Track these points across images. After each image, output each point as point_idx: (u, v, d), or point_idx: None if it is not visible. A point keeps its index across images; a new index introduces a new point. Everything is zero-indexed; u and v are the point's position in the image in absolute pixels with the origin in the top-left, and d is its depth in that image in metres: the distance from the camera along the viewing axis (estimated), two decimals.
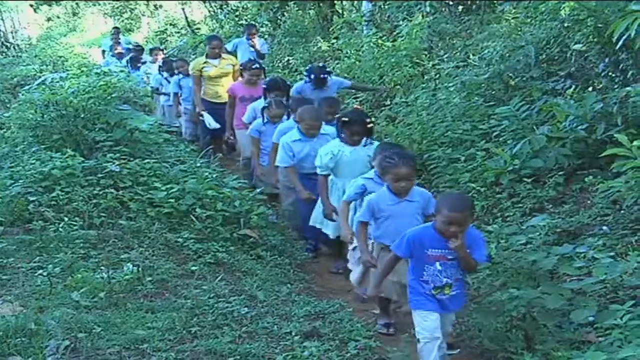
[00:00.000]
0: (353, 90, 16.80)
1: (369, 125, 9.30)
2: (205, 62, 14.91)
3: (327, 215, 9.47)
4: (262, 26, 27.33)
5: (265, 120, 11.71)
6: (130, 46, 24.94)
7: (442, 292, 6.32)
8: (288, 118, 11.50)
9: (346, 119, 9.23)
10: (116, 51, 24.80)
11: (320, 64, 14.85)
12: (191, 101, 16.28)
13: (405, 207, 7.32)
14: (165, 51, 22.75)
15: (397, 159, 7.22)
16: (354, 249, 8.30)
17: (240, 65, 14.72)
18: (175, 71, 17.54)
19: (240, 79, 14.65)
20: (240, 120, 13.10)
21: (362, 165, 8.85)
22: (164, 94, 18.34)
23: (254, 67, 13.78)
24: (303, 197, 10.22)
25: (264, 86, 12.66)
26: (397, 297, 7.64)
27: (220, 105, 14.69)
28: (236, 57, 18.67)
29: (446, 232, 6.07)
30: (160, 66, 19.25)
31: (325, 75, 13.28)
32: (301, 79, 14.73)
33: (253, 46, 19.63)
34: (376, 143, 9.15)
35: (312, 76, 13.23)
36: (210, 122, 14.74)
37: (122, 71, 17.20)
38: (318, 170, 9.45)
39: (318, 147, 9.71)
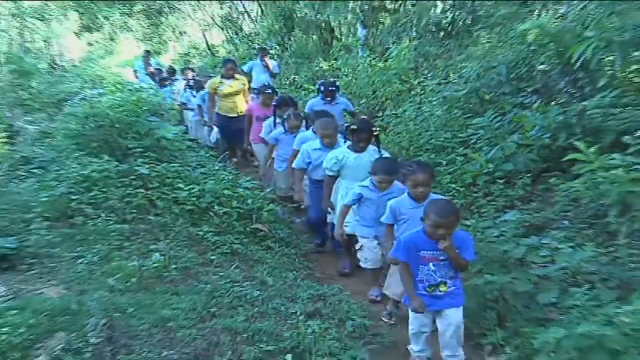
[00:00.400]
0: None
1: (374, 133, 8.95)
2: (220, 82, 14.76)
3: (324, 208, 9.49)
4: (271, 49, 27.33)
5: (284, 130, 11.43)
6: (161, 68, 24.92)
7: (438, 289, 6.07)
8: (307, 129, 11.25)
9: (354, 127, 8.94)
10: (149, 70, 24.82)
11: (331, 79, 14.25)
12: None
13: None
14: (195, 71, 22.36)
15: (415, 166, 7.08)
16: (360, 248, 8.29)
17: (255, 89, 15.08)
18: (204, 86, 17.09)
19: (252, 97, 15.28)
20: (257, 135, 12.96)
21: (365, 170, 8.40)
22: (190, 109, 18.07)
23: (267, 91, 13.61)
24: (295, 198, 10.53)
25: (274, 104, 12.46)
26: None
27: (232, 118, 14.66)
28: (252, 76, 18.93)
29: (434, 235, 5.90)
30: (187, 84, 18.91)
31: (334, 88, 13.01)
32: (306, 95, 14.71)
33: (266, 66, 19.46)
34: (385, 153, 9.06)
35: (322, 88, 13.01)
36: (214, 136, 15.19)
37: (151, 88, 17.27)
38: (326, 171, 9.16)
39: None
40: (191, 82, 18.63)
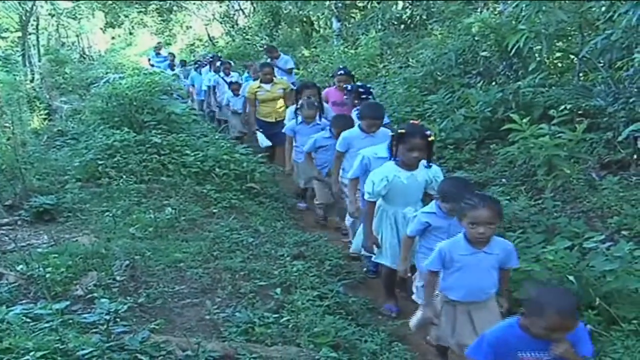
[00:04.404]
0: None
1: (429, 139, 5.84)
2: (259, 87, 11.72)
3: (368, 247, 6.37)
4: (262, 39, 27.25)
5: (300, 121, 9.23)
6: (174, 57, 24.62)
7: None
8: (320, 118, 9.20)
9: (402, 131, 5.86)
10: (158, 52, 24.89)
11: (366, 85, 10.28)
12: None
13: (482, 259, 4.69)
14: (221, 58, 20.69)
15: (477, 200, 4.60)
16: (423, 285, 5.36)
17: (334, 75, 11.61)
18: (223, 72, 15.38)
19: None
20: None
21: (418, 191, 6.01)
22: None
23: (339, 73, 10.82)
24: (350, 210, 7.29)
25: (295, 89, 10.24)
26: (457, 350, 4.98)
27: (270, 123, 11.51)
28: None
29: (547, 338, 3.61)
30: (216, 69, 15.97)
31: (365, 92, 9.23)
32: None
33: (275, 65, 14.29)
34: (435, 167, 6.17)
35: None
36: (263, 140, 11.62)
37: (162, 72, 17.13)
38: (366, 196, 6.16)
39: None
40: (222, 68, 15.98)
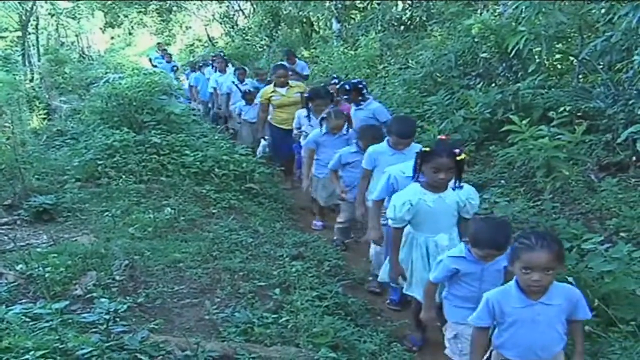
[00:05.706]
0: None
1: (458, 158, 5.01)
2: (273, 91, 10.84)
3: (393, 278, 5.68)
4: (261, 40, 27.29)
5: (325, 131, 8.38)
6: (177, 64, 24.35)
7: None
8: (348, 130, 8.32)
9: (427, 149, 5.08)
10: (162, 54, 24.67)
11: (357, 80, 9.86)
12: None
13: (540, 311, 3.85)
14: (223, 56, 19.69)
15: (532, 239, 3.72)
16: (454, 337, 4.77)
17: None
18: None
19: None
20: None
21: (448, 215, 5.23)
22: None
23: (332, 82, 10.48)
24: (372, 238, 6.26)
25: (306, 96, 9.62)
26: None
27: (286, 131, 10.55)
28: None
29: None
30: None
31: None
32: None
33: (293, 70, 14.58)
34: (467, 187, 5.35)
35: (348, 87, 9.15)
36: (261, 150, 11.42)
37: (162, 72, 17.03)
38: (390, 222, 5.39)
39: None
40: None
